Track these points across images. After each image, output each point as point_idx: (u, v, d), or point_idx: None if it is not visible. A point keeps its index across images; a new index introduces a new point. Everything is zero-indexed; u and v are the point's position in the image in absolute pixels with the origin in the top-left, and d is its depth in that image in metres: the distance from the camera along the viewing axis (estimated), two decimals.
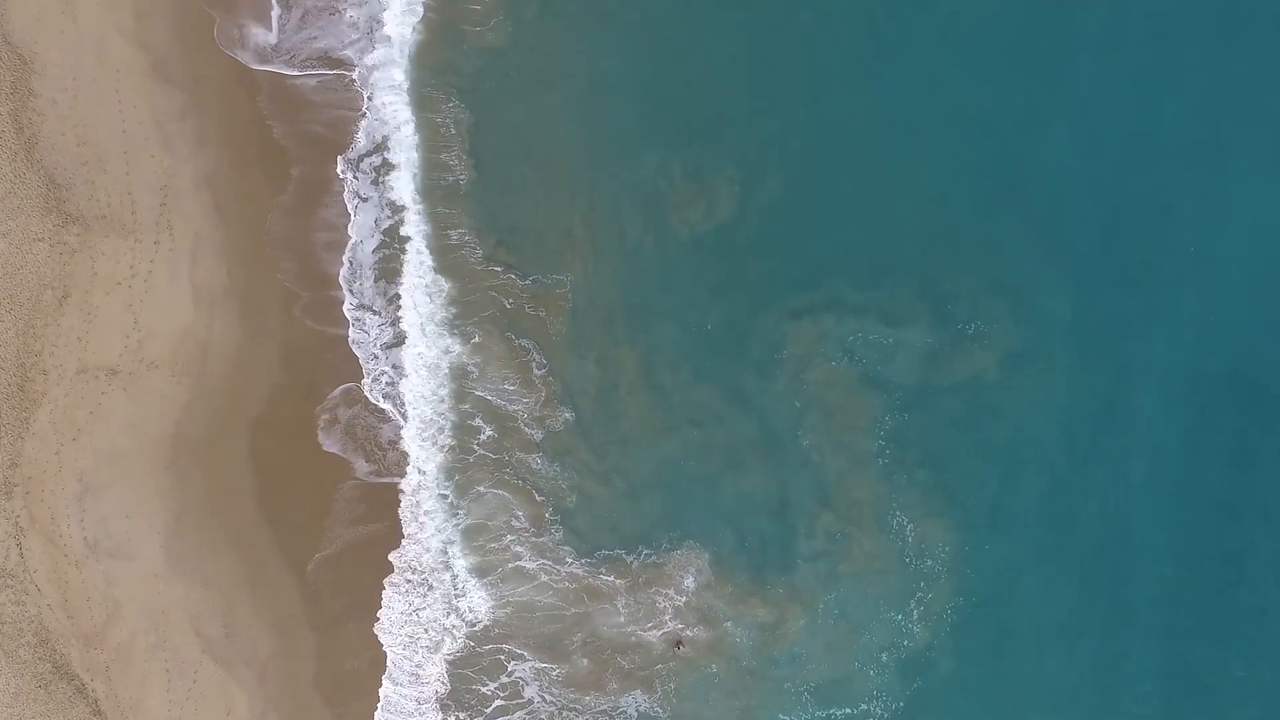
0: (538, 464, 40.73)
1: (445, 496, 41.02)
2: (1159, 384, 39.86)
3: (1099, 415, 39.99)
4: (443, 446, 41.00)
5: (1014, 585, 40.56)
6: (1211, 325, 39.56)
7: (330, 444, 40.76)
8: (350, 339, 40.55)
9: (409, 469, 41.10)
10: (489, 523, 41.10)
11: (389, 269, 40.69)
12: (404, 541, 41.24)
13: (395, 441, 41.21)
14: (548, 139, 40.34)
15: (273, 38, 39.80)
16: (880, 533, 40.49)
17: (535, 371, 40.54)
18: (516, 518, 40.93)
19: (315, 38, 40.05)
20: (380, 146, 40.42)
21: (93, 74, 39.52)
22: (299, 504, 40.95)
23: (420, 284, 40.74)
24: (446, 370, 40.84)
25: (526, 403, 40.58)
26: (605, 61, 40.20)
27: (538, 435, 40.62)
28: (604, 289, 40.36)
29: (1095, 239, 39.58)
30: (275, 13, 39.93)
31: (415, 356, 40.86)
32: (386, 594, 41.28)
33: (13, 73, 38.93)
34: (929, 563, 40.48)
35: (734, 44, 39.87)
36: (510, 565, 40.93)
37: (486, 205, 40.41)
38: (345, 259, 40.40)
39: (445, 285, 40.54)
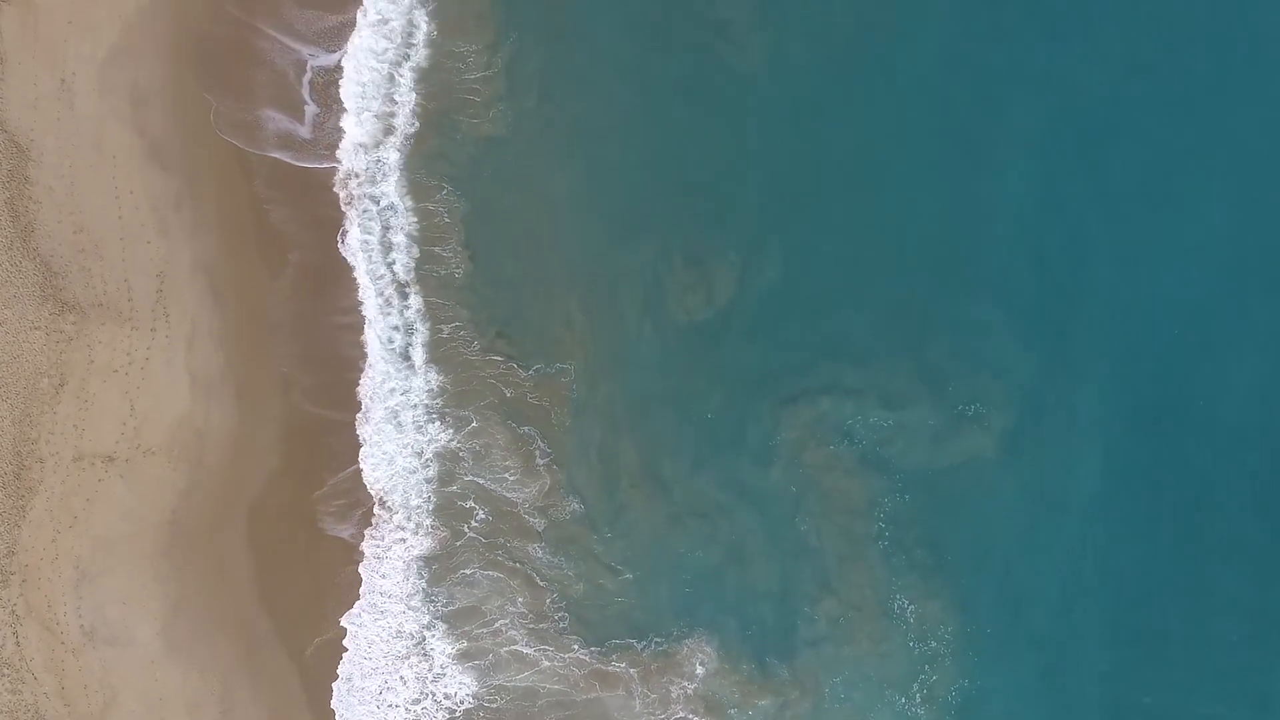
0: (538, 552, 40.46)
1: (424, 579, 40.67)
2: (1153, 466, 39.63)
3: (1092, 499, 39.77)
4: (430, 531, 40.68)
5: (1016, 667, 40.29)
6: (1214, 419, 39.42)
7: (332, 528, 40.57)
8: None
9: (399, 548, 40.81)
10: (481, 606, 40.79)
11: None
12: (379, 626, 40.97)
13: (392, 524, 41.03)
14: (545, 226, 40.25)
15: (306, 132, 39.68)
16: (882, 616, 40.25)
17: (538, 460, 40.24)
18: (513, 603, 40.64)
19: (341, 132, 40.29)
20: (381, 229, 40.39)
21: (89, 160, 39.45)
22: (298, 589, 40.70)
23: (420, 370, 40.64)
24: (431, 456, 40.51)
25: (528, 491, 40.31)
26: (605, 147, 40.16)
27: (540, 524, 40.34)
28: (605, 377, 40.16)
29: (1091, 326, 39.71)
30: (310, 110, 39.96)
31: (403, 444, 40.65)
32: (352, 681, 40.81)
33: (9, 160, 38.89)
34: (932, 644, 40.22)
35: (736, 130, 39.98)
36: (505, 650, 40.59)
37: (483, 296, 40.27)
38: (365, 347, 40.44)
39: (440, 376, 40.28)
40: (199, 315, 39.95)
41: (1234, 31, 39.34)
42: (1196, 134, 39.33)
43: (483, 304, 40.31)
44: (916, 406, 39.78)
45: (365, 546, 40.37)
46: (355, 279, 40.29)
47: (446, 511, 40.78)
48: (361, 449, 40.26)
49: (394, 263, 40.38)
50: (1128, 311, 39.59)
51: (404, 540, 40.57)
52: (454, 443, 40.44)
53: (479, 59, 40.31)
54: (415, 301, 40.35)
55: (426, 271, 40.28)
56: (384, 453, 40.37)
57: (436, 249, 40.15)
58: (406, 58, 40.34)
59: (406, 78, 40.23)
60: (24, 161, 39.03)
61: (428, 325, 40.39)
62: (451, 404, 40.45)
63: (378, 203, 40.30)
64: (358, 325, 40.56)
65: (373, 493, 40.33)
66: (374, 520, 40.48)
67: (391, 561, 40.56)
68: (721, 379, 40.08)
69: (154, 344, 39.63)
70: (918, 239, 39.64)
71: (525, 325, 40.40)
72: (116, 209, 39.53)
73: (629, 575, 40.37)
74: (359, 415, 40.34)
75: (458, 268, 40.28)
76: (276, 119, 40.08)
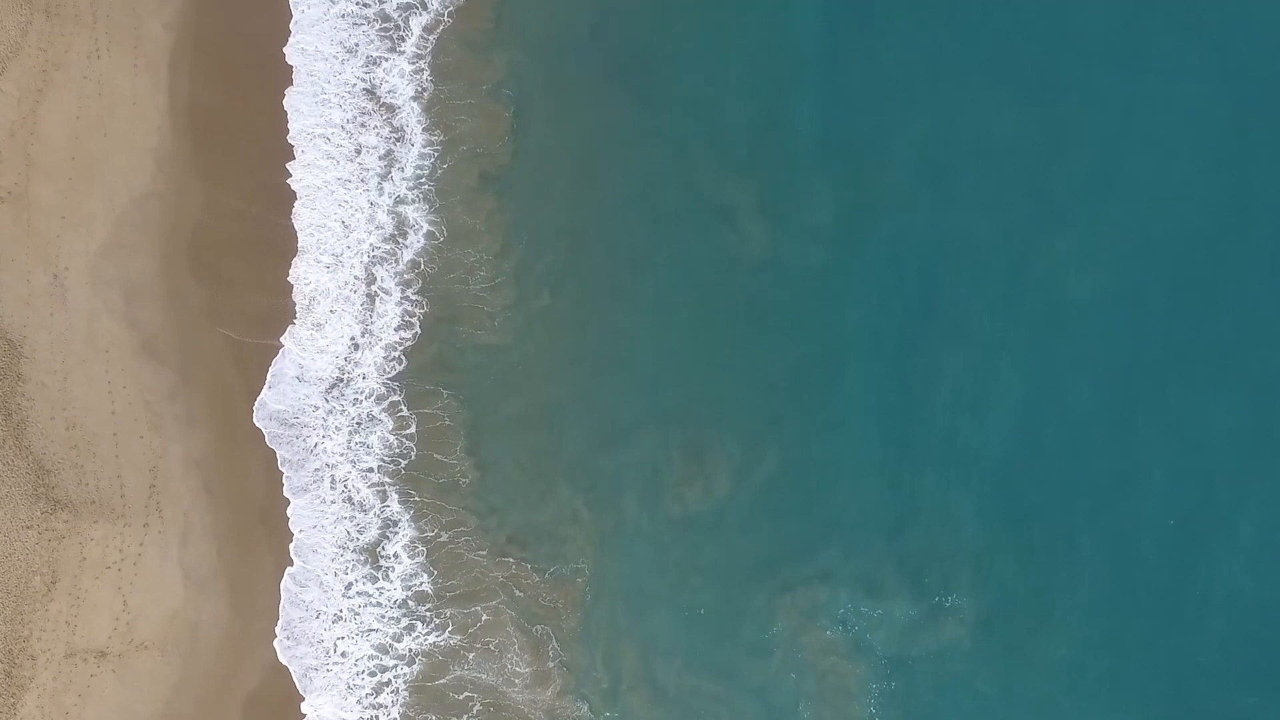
0: None
1: None
2: (1121, 653, 39.77)
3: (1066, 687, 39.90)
4: None
5: None
6: (1198, 611, 39.47)
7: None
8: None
9: None
10: None
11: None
12: None
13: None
14: (549, 428, 40.23)
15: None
16: None
17: (549, 663, 39.94)
18: None
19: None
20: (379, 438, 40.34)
21: (82, 355, 39.40)
22: None
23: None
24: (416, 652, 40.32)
25: (537, 692, 40.02)
26: (608, 345, 40.27)
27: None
28: (611, 575, 40.06)
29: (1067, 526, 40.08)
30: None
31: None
32: None
33: (2, 358, 38.77)
34: None
35: (736, 323, 40.39)
36: None
37: (488, 501, 40.13)
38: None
39: (444, 579, 40.15)
40: (192, 510, 39.84)
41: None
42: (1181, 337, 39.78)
43: (490, 510, 40.10)
44: (897, 597, 39.91)
45: None
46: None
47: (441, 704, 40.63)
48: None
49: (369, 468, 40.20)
50: (1112, 508, 39.82)
51: None
52: (453, 641, 40.12)
53: (486, 268, 40.36)
54: (394, 504, 40.12)
55: (424, 477, 40.08)
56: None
57: (437, 455, 39.97)
58: (408, 271, 40.31)
59: (395, 295, 40.14)
60: (16, 359, 38.94)
61: (415, 527, 40.17)
62: (457, 603, 40.19)
63: (360, 403, 40.20)
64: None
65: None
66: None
67: None
68: (718, 572, 40.06)
69: (147, 539, 39.49)
70: (901, 434, 40.04)
71: (532, 527, 40.18)
72: (109, 404, 39.45)
73: None
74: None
75: (463, 476, 40.08)
76: (271, 310, 40.03)
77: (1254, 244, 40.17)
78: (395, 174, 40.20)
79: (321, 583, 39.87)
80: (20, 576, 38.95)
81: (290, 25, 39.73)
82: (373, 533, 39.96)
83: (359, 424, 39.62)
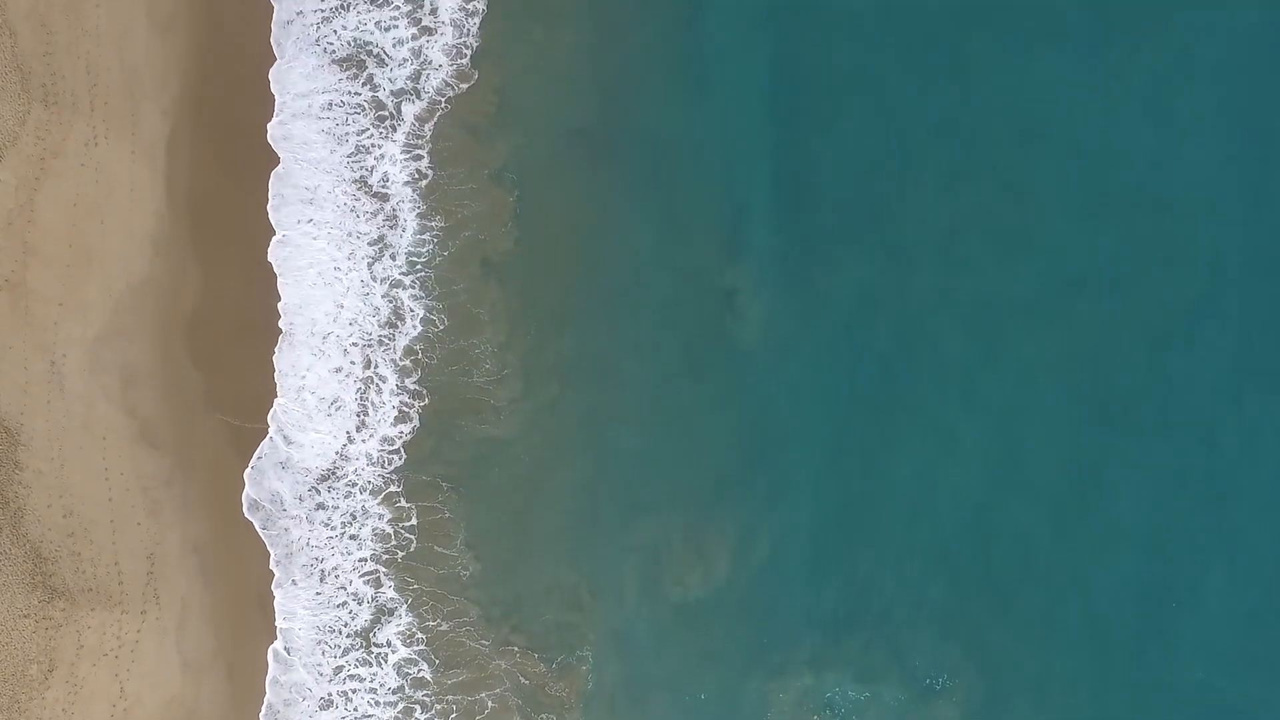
0: None
1: None
2: None
3: None
4: None
5: None
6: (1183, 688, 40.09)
7: None
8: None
9: None
10: None
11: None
12: None
13: None
14: (552, 516, 40.42)
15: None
16: None
17: None
18: None
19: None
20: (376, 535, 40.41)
21: (79, 442, 39.41)
22: None
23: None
24: None
25: None
26: (612, 435, 40.45)
27: None
28: (614, 662, 40.35)
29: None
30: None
31: None
32: None
33: None
34: None
35: (738, 410, 40.73)
36: None
37: (490, 592, 40.23)
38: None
39: (445, 667, 40.19)
40: (189, 595, 39.92)
41: None
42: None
43: (492, 600, 40.21)
44: (887, 681, 40.32)
45: None
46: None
47: None
48: None
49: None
50: (1097, 593, 40.39)
51: None
52: None
53: (491, 360, 40.32)
54: (391, 592, 40.12)
55: (423, 568, 40.16)
56: None
57: (437, 547, 40.06)
58: (404, 358, 40.24)
59: (392, 383, 40.13)
60: (14, 446, 38.93)
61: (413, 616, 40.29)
62: (459, 690, 40.29)
63: (353, 495, 40.22)
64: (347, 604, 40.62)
65: None
66: None
67: None
68: (716, 659, 40.45)
69: (144, 626, 39.55)
70: (889, 519, 40.55)
71: (537, 617, 40.38)
72: (107, 491, 39.48)
73: None
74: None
75: (464, 568, 40.17)
76: (269, 394, 40.05)
77: (1214, 339, 40.62)
78: (391, 260, 40.12)
79: (311, 666, 39.91)
80: (17, 665, 38.96)
81: (274, 114, 39.38)
82: (365, 618, 40.03)
83: (353, 517, 39.69)
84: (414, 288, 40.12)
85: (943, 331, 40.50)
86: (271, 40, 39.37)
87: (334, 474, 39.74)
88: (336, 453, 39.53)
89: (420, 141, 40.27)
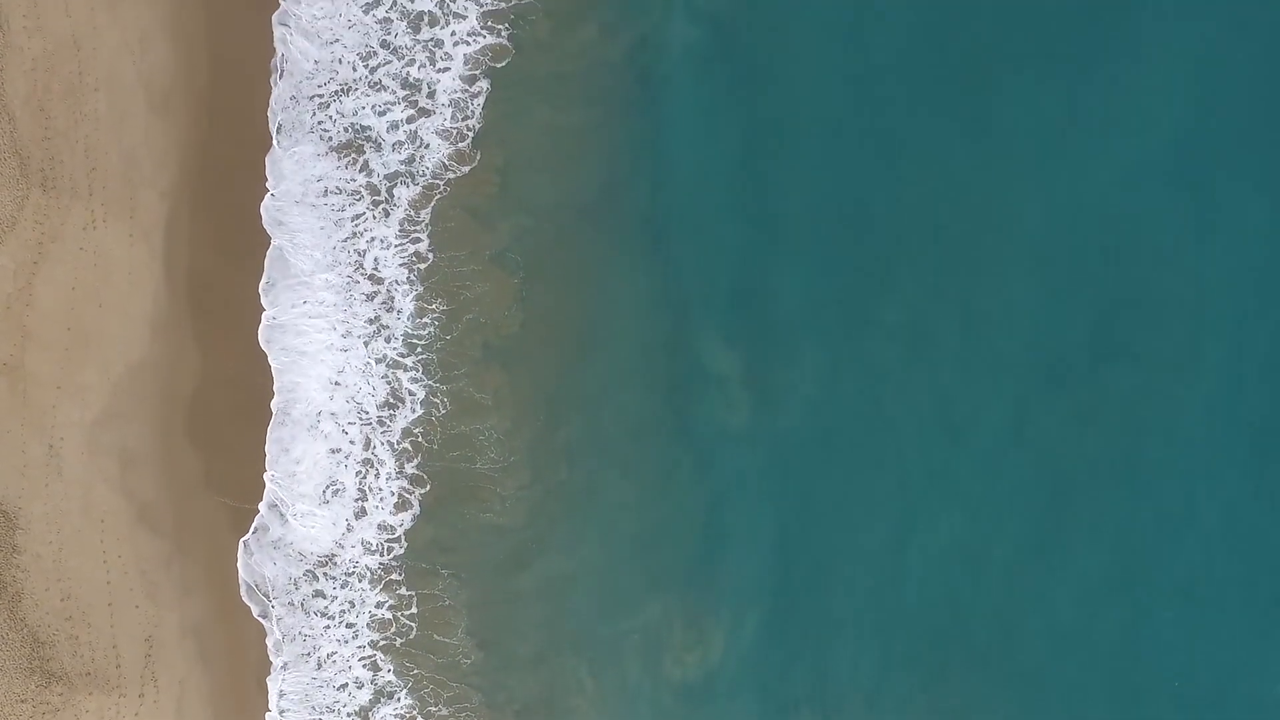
0: None
1: None
2: None
3: None
4: None
5: None
6: None
7: None
8: None
9: None
10: None
11: None
12: None
13: None
14: (554, 601, 40.47)
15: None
16: None
17: None
18: None
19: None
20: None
21: (77, 525, 39.40)
22: None
23: None
24: None
25: None
26: (614, 521, 40.46)
27: None
28: None
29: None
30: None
31: None
32: None
33: None
34: None
35: (737, 498, 40.94)
36: None
37: (492, 679, 40.26)
38: None
39: None
40: (188, 678, 39.96)
41: None
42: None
43: (495, 686, 40.25)
44: None
45: None
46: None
47: None
48: None
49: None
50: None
51: None
52: None
53: (496, 448, 40.06)
54: (390, 675, 40.15)
55: (423, 655, 40.18)
56: None
57: (437, 635, 40.06)
58: (403, 439, 40.16)
59: (390, 465, 40.11)
60: (12, 530, 38.91)
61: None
62: None
63: (350, 584, 40.25)
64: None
65: None
66: None
67: None
68: None
69: (142, 709, 39.57)
70: (876, 616, 40.89)
71: (541, 700, 40.51)
72: (105, 574, 39.48)
73: None
74: None
75: (465, 656, 40.16)
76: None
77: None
78: (387, 344, 40.03)
79: None
80: None
81: (270, 198, 39.32)
82: (364, 699, 40.08)
83: (351, 604, 39.72)
84: (415, 370, 40.05)
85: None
86: (269, 125, 39.29)
87: (332, 560, 39.74)
88: (335, 540, 39.51)
89: (418, 225, 40.11)
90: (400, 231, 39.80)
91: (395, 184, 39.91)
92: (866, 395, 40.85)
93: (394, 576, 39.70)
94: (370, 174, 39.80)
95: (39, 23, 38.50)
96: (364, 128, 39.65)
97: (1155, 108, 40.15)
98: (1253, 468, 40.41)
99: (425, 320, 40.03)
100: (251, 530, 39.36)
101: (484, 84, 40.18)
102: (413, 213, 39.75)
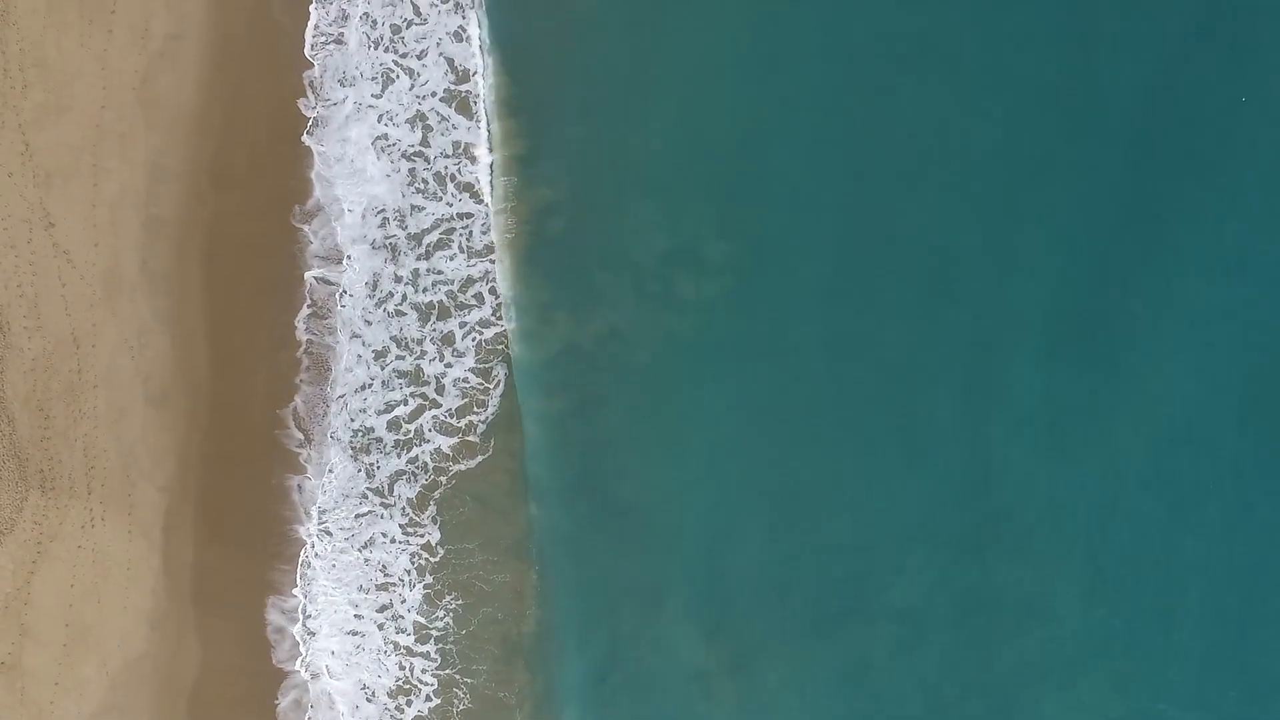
0: None
1: None
2: None
3: None
4: None
5: None
6: None
7: None
8: None
9: None
10: None
11: None
12: None
13: None
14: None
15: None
16: None
17: None
18: None
19: None
20: None
21: None
22: None
23: None
24: None
25: None
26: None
27: None
28: None
29: None
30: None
31: None
32: None
33: None
34: None
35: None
36: None
37: None
38: None
39: None
40: None
41: None
42: None
43: None
44: None
45: None
46: None
47: None
48: None
49: None
50: None
51: None
52: None
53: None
54: None
55: None
56: None
57: None
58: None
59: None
60: None
61: None
62: None
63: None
64: None
65: None
66: None
67: None
68: None
69: None
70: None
71: None
72: None
73: None
74: None
75: None
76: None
77: None
78: (403, 635, 39.11)
79: None
80: None
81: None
82: None
83: None
84: (434, 662, 39.07)
85: None
86: (286, 431, 38.94)
87: None
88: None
89: (427, 518, 39.11)
90: (410, 526, 39.01)
91: (396, 481, 39.17)
92: None
93: None
94: (373, 476, 39.17)
95: (39, 322, 38.02)
96: (369, 429, 39.13)
97: None
98: None
99: (441, 613, 39.05)
100: None
101: (500, 371, 38.97)
102: (418, 507, 38.92)
